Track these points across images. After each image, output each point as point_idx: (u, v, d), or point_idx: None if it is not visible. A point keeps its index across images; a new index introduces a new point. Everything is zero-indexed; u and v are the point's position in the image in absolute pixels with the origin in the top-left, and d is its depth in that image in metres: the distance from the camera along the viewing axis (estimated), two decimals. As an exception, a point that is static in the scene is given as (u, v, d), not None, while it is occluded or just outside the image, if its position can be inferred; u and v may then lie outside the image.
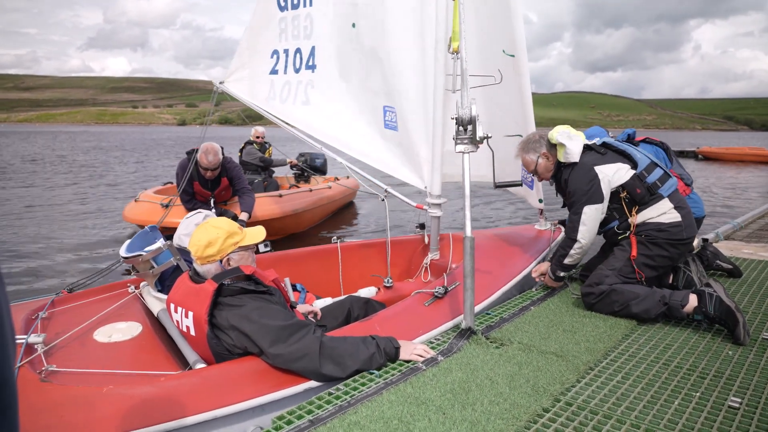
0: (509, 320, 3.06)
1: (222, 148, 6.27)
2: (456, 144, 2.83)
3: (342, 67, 4.01)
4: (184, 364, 2.55)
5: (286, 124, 4.35)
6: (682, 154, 30.62)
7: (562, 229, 4.30)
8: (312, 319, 2.90)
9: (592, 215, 3.26)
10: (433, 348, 2.63)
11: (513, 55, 3.87)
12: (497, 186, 3.78)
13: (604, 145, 3.44)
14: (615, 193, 3.28)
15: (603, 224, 3.38)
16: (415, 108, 3.64)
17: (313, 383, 2.27)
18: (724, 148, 31.45)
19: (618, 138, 4.25)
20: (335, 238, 4.43)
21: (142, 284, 3.34)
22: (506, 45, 3.86)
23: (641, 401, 2.14)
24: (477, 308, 3.11)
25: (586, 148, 3.38)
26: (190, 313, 2.41)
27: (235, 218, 4.52)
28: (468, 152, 2.81)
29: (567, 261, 3.44)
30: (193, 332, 2.43)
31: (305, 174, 10.07)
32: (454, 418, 1.97)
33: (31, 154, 28.46)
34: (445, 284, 3.21)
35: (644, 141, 4.25)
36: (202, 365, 2.41)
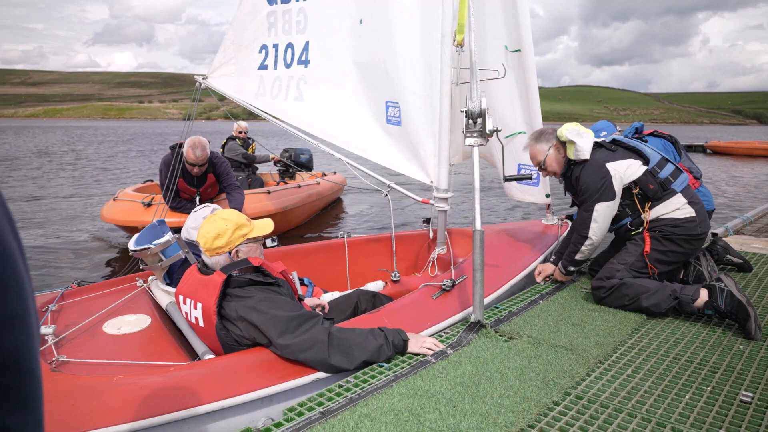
0: (518, 314, 3.05)
1: (210, 143, 5.89)
2: (465, 137, 2.82)
3: (342, 63, 3.94)
4: (193, 355, 2.56)
5: (280, 120, 4.28)
6: (691, 148, 30.42)
7: (569, 224, 4.28)
8: (320, 312, 2.90)
9: (603, 212, 3.23)
10: (441, 341, 2.63)
11: (519, 50, 3.84)
12: (506, 179, 3.76)
13: (614, 141, 3.42)
14: (627, 190, 3.26)
15: (615, 221, 3.36)
16: (421, 102, 3.61)
17: (321, 374, 2.27)
18: (733, 142, 31.22)
19: (626, 132, 4.23)
20: (342, 232, 4.43)
21: (150, 278, 3.35)
22: (511, 40, 3.83)
23: (652, 395, 2.13)
24: (485, 301, 3.11)
25: (596, 145, 3.36)
26: (199, 305, 2.41)
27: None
28: (477, 145, 2.80)
29: (578, 257, 3.43)
30: (201, 323, 2.43)
31: (290, 170, 9.77)
32: (465, 410, 1.97)
33: (44, 148, 28.62)
34: (453, 277, 3.20)
35: (652, 134, 4.22)
36: (211, 356, 2.42)
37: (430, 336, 2.65)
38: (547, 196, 4.39)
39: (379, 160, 3.86)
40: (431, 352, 2.47)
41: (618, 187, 3.22)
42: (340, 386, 2.17)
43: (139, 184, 7.97)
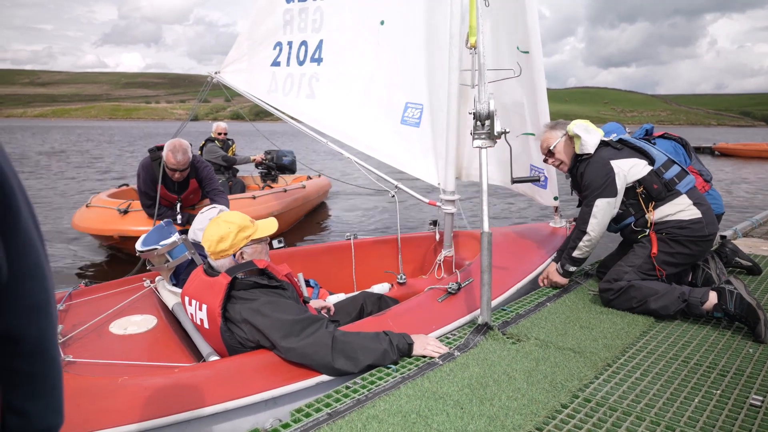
0: (525, 316, 3.04)
1: (192, 145, 5.37)
2: (473, 139, 2.81)
3: (357, 62, 3.97)
4: (198, 356, 2.56)
5: (290, 117, 4.31)
6: (698, 150, 30.21)
7: None
8: (325, 315, 2.90)
9: (603, 208, 3.24)
10: (449, 343, 2.62)
11: (527, 52, 3.84)
12: (514, 181, 3.75)
13: (621, 141, 3.42)
14: (631, 189, 3.26)
15: (619, 221, 3.35)
16: (440, 104, 3.62)
17: (326, 377, 2.27)
18: (741, 144, 30.99)
19: (636, 133, 4.21)
20: (349, 234, 4.43)
21: (157, 278, 3.36)
22: (520, 41, 3.83)
23: (660, 398, 2.11)
24: (492, 304, 3.10)
25: (603, 143, 3.37)
26: (204, 306, 2.41)
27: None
28: (485, 147, 2.79)
29: (576, 254, 3.40)
30: (206, 325, 2.43)
31: (272, 173, 9.20)
32: (472, 412, 1.96)
33: (51, 147, 28.78)
34: (459, 280, 3.19)
35: (663, 136, 4.20)
36: (216, 358, 2.42)
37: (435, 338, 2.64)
38: (555, 198, 4.37)
39: (387, 159, 3.86)
40: (437, 355, 2.46)
41: (620, 185, 3.23)
42: (347, 387, 2.16)
43: (114, 189, 7.33)
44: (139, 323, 2.88)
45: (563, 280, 3.55)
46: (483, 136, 2.78)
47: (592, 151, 3.31)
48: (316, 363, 2.24)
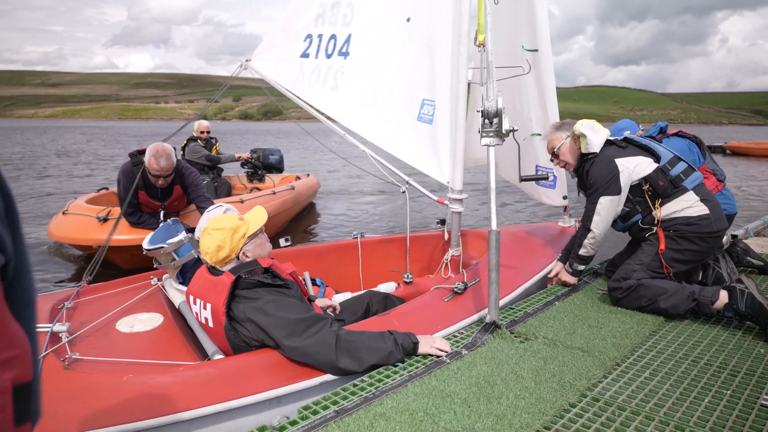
0: (533, 315, 3.02)
1: (175, 150, 5.08)
2: (481, 137, 2.80)
3: (381, 58, 3.99)
4: (204, 355, 2.56)
5: (313, 108, 4.34)
6: (710, 149, 29.90)
7: None
8: (331, 314, 2.89)
9: (607, 206, 3.23)
10: (456, 342, 2.60)
11: (536, 50, 3.83)
12: (523, 180, 3.73)
13: (626, 139, 3.42)
14: (637, 186, 3.24)
15: (626, 218, 3.34)
16: (450, 102, 3.62)
17: (330, 376, 2.26)
18: (753, 143, 30.66)
19: (650, 131, 4.20)
20: (356, 232, 4.42)
21: (164, 276, 3.36)
22: (529, 40, 3.82)
23: (670, 398, 2.09)
24: (500, 303, 3.08)
25: (608, 142, 3.37)
26: (209, 305, 2.41)
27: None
28: (494, 145, 2.78)
29: (582, 252, 3.41)
30: (211, 324, 2.43)
31: (259, 172, 8.90)
32: (480, 411, 1.95)
33: (61, 147, 29.02)
34: (465, 280, 3.18)
35: (677, 134, 4.17)
36: (221, 356, 2.42)
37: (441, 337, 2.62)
38: (564, 198, 4.35)
39: (402, 155, 3.87)
40: (443, 354, 2.44)
41: (625, 183, 3.22)
42: (354, 385, 2.16)
43: (92, 194, 6.89)
44: (145, 321, 2.89)
45: (573, 279, 3.55)
46: (491, 134, 2.77)
47: (597, 150, 3.31)
48: (319, 362, 2.23)
